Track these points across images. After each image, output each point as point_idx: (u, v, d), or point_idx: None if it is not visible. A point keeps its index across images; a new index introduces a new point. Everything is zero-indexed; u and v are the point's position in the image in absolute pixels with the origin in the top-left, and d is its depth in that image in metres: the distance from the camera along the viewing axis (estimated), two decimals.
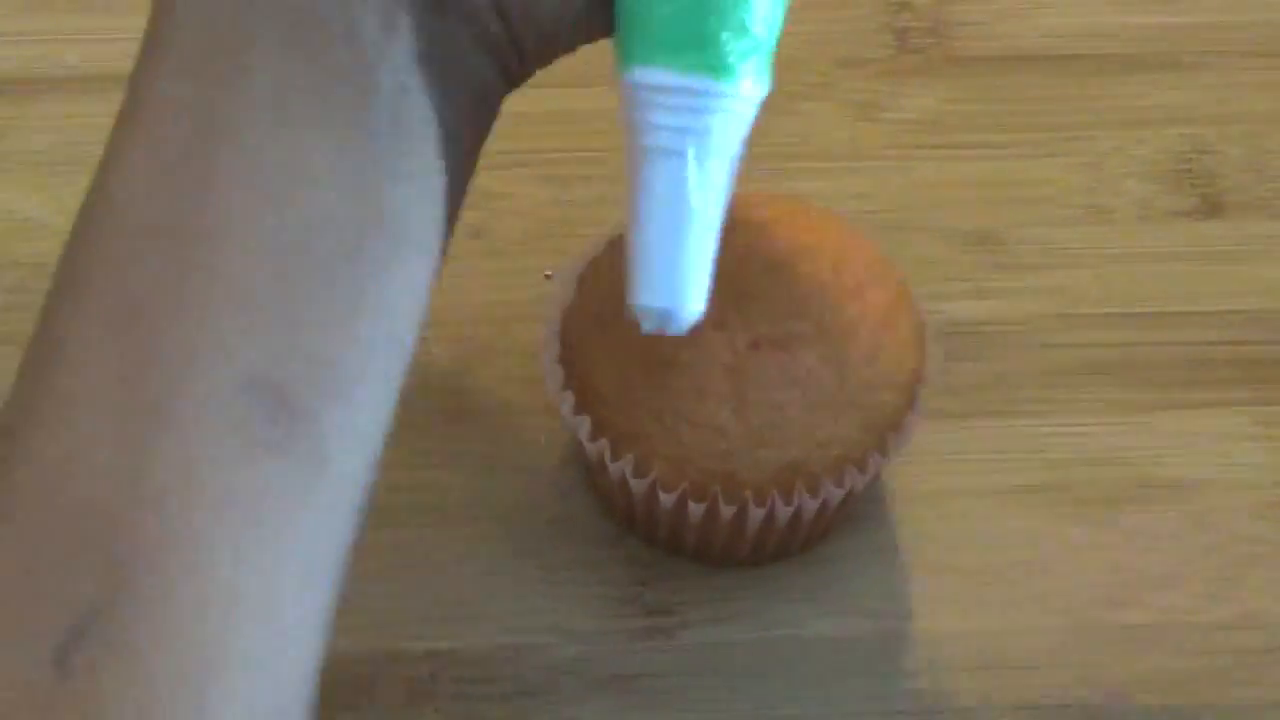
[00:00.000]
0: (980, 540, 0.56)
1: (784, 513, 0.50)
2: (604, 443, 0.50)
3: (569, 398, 0.51)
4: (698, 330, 0.50)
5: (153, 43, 0.39)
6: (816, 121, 0.65)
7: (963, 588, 0.55)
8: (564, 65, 0.65)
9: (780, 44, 0.67)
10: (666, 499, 0.51)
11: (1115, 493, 0.57)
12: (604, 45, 0.66)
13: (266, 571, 0.36)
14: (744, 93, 0.39)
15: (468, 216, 0.62)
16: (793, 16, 0.68)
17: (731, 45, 0.38)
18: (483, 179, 0.62)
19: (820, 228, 0.53)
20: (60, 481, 0.36)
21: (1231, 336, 0.60)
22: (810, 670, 0.53)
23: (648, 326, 0.41)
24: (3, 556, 0.35)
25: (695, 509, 0.50)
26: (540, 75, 0.65)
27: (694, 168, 0.39)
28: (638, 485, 0.51)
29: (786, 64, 0.66)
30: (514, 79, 0.41)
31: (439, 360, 0.59)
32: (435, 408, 0.58)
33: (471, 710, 0.52)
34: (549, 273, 0.60)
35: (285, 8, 0.38)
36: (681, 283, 0.41)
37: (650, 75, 0.39)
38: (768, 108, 0.65)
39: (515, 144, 0.64)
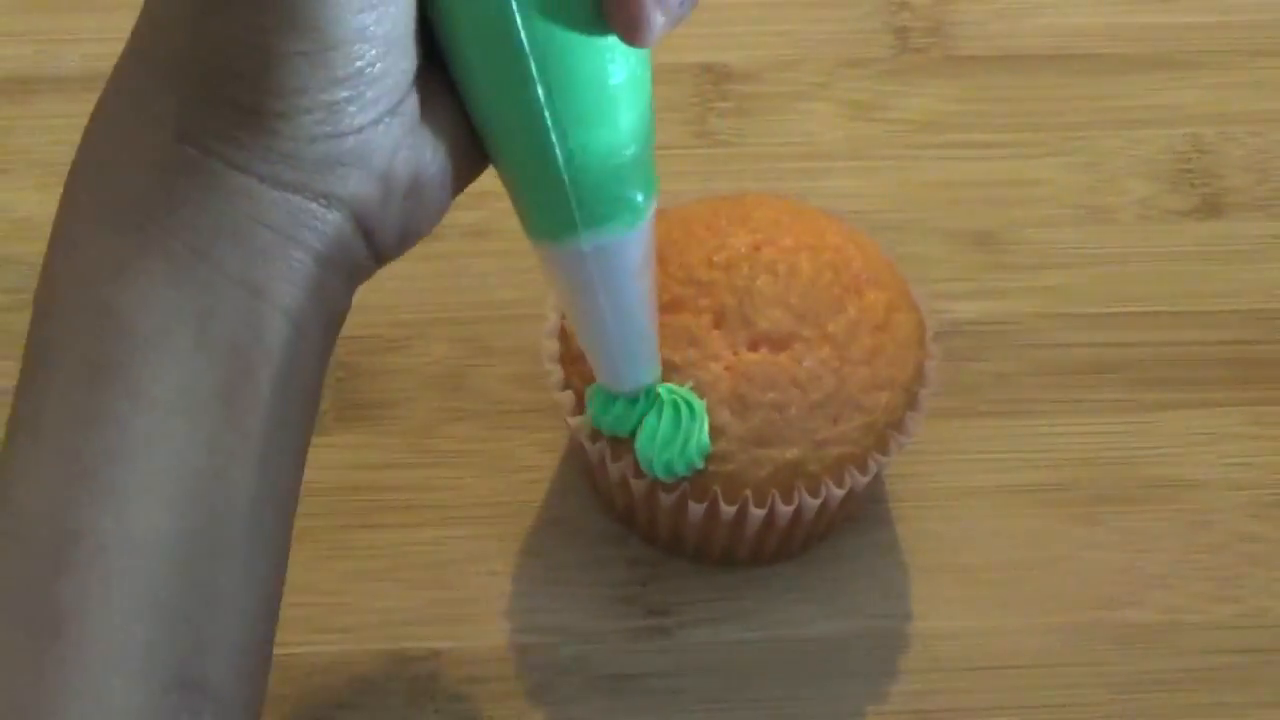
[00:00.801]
0: (980, 540, 0.56)
1: (784, 513, 0.50)
2: (604, 443, 0.50)
3: (569, 398, 0.51)
4: (698, 330, 0.50)
5: (45, 347, 0.40)
6: (816, 121, 0.65)
7: (963, 587, 0.55)
8: None
9: (780, 44, 0.67)
10: (666, 499, 0.51)
11: (1115, 492, 0.57)
12: None
13: None
14: (651, 221, 0.45)
15: (468, 217, 0.62)
16: (793, 16, 0.68)
17: (647, 198, 0.44)
18: (483, 179, 0.62)
19: (820, 228, 0.53)
20: None
21: (1231, 336, 0.60)
22: (810, 670, 0.53)
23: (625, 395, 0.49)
24: None
25: (695, 509, 0.50)
26: None
27: (640, 284, 0.45)
28: (638, 485, 0.51)
29: (787, 64, 0.66)
30: (362, 282, 0.44)
31: (439, 360, 0.59)
32: (435, 408, 0.58)
33: (471, 710, 0.52)
34: None
35: (190, 305, 0.39)
36: (653, 360, 0.48)
37: (590, 241, 0.44)
38: (769, 108, 0.65)
39: None
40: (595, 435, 0.50)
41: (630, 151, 0.42)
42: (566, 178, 0.42)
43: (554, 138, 0.41)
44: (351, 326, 0.59)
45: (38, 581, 0.38)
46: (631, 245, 0.44)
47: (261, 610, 0.40)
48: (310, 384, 0.41)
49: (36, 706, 0.37)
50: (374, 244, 0.42)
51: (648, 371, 0.48)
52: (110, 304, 0.38)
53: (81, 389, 0.38)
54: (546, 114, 0.41)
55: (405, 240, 0.43)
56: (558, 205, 0.43)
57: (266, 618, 0.41)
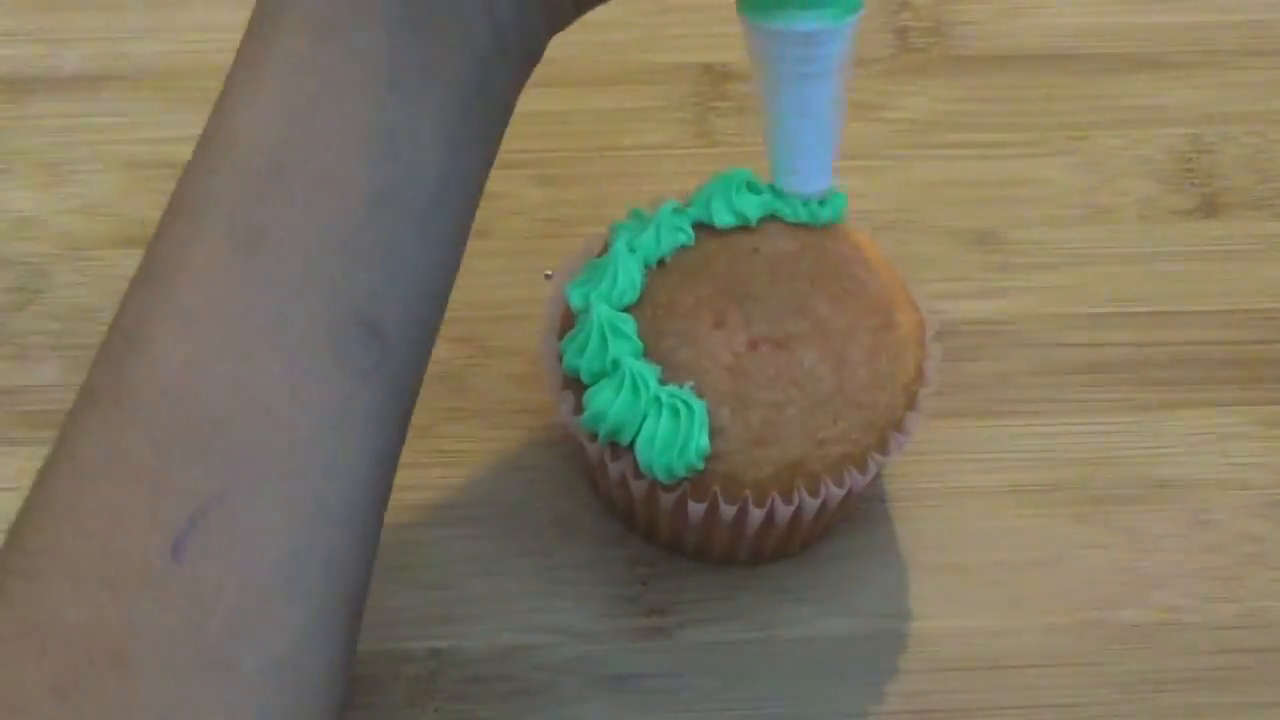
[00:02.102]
0: (980, 540, 0.56)
1: (784, 513, 0.50)
2: (603, 443, 0.50)
3: (569, 398, 0.51)
4: (698, 330, 0.50)
5: (273, 4, 0.43)
6: None
7: (962, 587, 0.55)
8: (565, 65, 0.65)
9: None
10: (666, 499, 0.51)
11: (1115, 492, 0.57)
12: (609, 45, 0.66)
13: (349, 482, 0.42)
14: (859, 19, 0.47)
15: None
16: None
17: None
18: None
19: (820, 228, 0.53)
20: (181, 387, 0.40)
21: (1231, 336, 0.60)
22: (810, 670, 0.53)
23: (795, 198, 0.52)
24: (128, 450, 0.39)
25: (695, 509, 0.50)
26: (540, 75, 0.65)
27: (833, 83, 0.48)
28: (638, 485, 0.51)
29: None
30: (561, 28, 0.48)
31: (439, 360, 0.59)
32: (435, 408, 0.58)
33: (471, 709, 0.52)
34: (549, 273, 0.60)
35: None
36: (828, 167, 0.51)
37: (799, 23, 0.46)
38: None
39: (515, 144, 0.63)
40: (595, 435, 0.50)
41: None
42: None
43: None
44: None
45: (244, 201, 0.41)
46: (837, 39, 0.47)
47: (437, 276, 0.44)
48: (504, 98, 0.45)
49: (230, 312, 0.40)
50: None
51: (819, 176, 0.50)
52: None
53: (298, 40, 0.42)
54: None
55: None
56: None
57: (441, 284, 0.45)
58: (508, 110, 0.46)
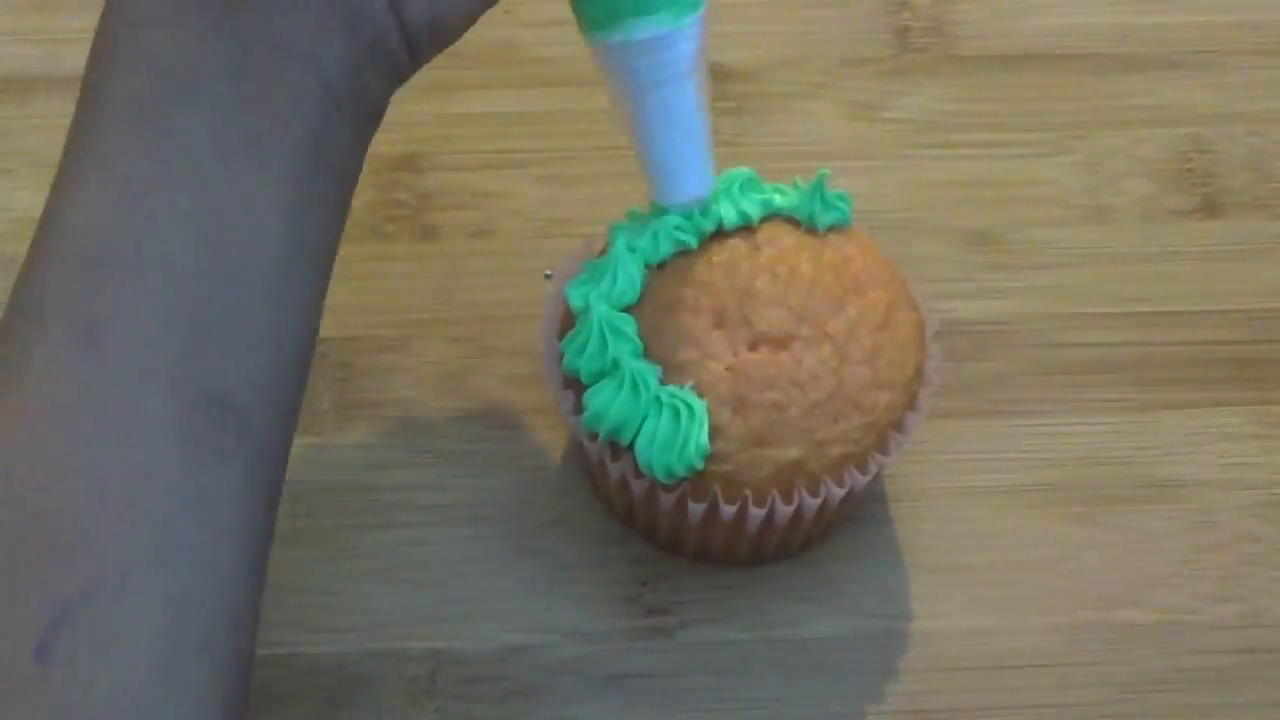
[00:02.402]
0: (980, 540, 0.56)
1: (784, 513, 0.50)
2: (603, 443, 0.51)
3: (569, 398, 0.51)
4: (698, 330, 0.50)
5: (97, 89, 0.43)
6: (816, 121, 0.65)
7: (963, 587, 0.55)
8: (564, 65, 0.65)
9: (781, 43, 0.67)
10: (666, 499, 0.51)
11: (1115, 492, 0.57)
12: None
13: (218, 565, 0.41)
14: (701, 17, 0.47)
15: (468, 216, 0.62)
16: (793, 16, 0.68)
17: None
18: (483, 179, 0.62)
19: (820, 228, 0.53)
20: (34, 492, 0.39)
21: (1231, 336, 0.60)
22: (810, 670, 0.53)
23: (680, 212, 0.51)
24: None
25: (695, 509, 0.50)
26: (539, 75, 0.65)
27: (690, 85, 0.48)
28: (638, 485, 0.51)
29: (787, 64, 0.66)
30: (401, 81, 0.46)
31: (439, 360, 0.59)
32: (435, 408, 0.58)
33: (472, 710, 0.52)
34: (549, 273, 0.60)
35: (225, 59, 0.42)
36: (707, 172, 0.50)
37: (638, 31, 0.47)
38: (769, 108, 0.65)
39: (515, 144, 0.63)
40: (595, 435, 0.50)
41: None
42: None
43: None
44: (351, 326, 0.59)
45: (79, 293, 0.41)
46: (681, 41, 0.47)
47: (291, 343, 0.44)
48: (345, 158, 0.45)
49: (77, 409, 0.40)
50: (405, 25, 0.44)
51: (698, 182, 0.50)
52: (153, 49, 0.42)
53: (120, 127, 0.42)
54: None
55: (435, 28, 0.45)
56: None
57: (297, 351, 0.44)
58: (354, 168, 0.46)
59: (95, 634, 0.38)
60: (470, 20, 0.46)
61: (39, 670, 0.37)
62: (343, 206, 0.46)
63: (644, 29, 0.46)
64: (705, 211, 0.51)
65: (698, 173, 0.50)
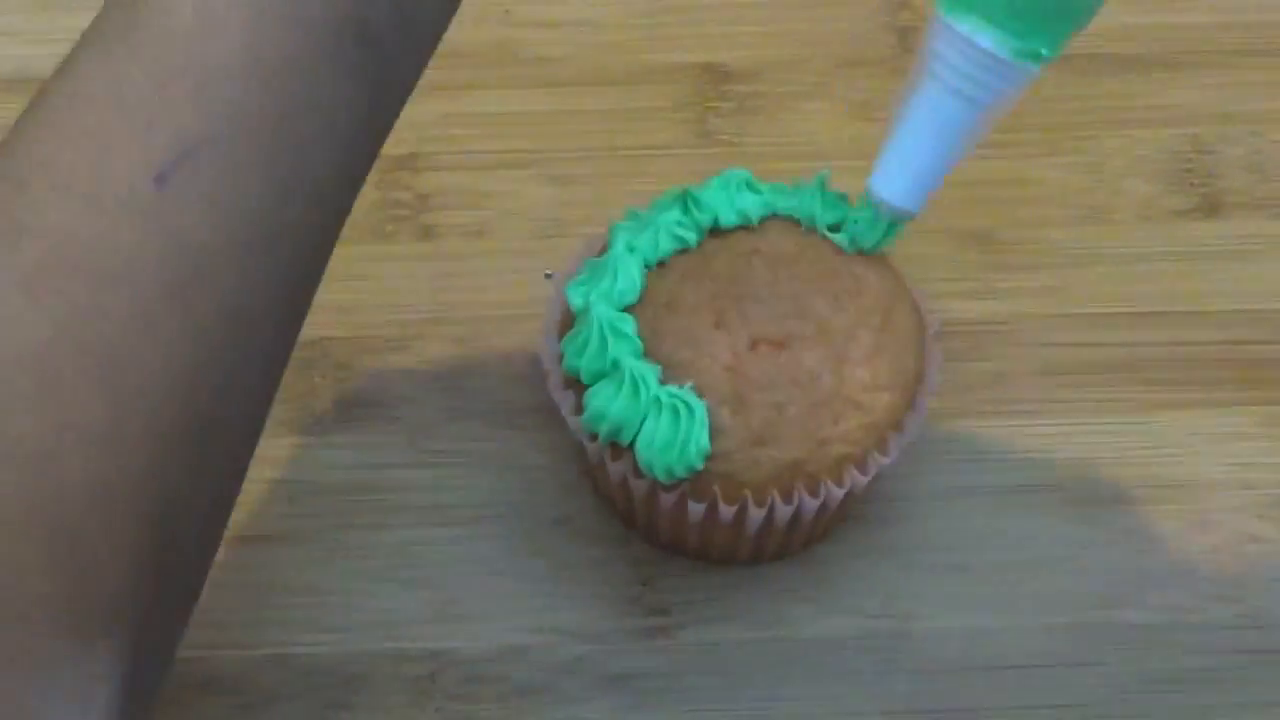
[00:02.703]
0: (980, 540, 0.56)
1: (784, 512, 0.50)
2: (603, 443, 0.51)
3: (569, 398, 0.51)
4: (698, 330, 0.50)
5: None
6: (817, 121, 0.65)
7: (963, 587, 0.55)
8: (565, 65, 0.65)
9: (781, 43, 0.67)
10: (667, 499, 0.51)
11: (1115, 492, 0.57)
12: (609, 45, 0.66)
13: (328, 162, 0.43)
14: (1031, 77, 0.46)
15: (468, 217, 0.62)
16: (794, 16, 0.68)
17: (1064, 42, 0.45)
18: (483, 179, 0.62)
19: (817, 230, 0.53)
20: (188, 34, 0.40)
21: (1232, 336, 0.60)
22: (810, 670, 0.53)
23: (874, 211, 0.50)
24: (126, 82, 0.40)
25: (695, 509, 0.50)
26: (540, 75, 0.65)
27: (979, 115, 0.47)
28: (638, 485, 0.51)
29: (787, 64, 0.66)
30: None
31: (439, 360, 0.59)
32: (436, 407, 0.58)
33: (472, 710, 0.52)
34: (549, 273, 0.60)
35: None
36: (923, 193, 0.49)
37: (984, 38, 0.45)
38: (769, 108, 0.65)
39: (515, 144, 0.64)
40: (595, 435, 0.50)
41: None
42: None
43: None
44: (351, 326, 0.59)
45: None
46: (1004, 75, 0.45)
47: None
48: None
49: None
50: None
51: (912, 195, 0.49)
52: None
53: None
54: None
55: None
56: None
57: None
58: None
59: (208, 179, 0.40)
60: None
61: (154, 194, 0.40)
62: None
63: (987, 39, 0.45)
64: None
65: (919, 186, 0.49)
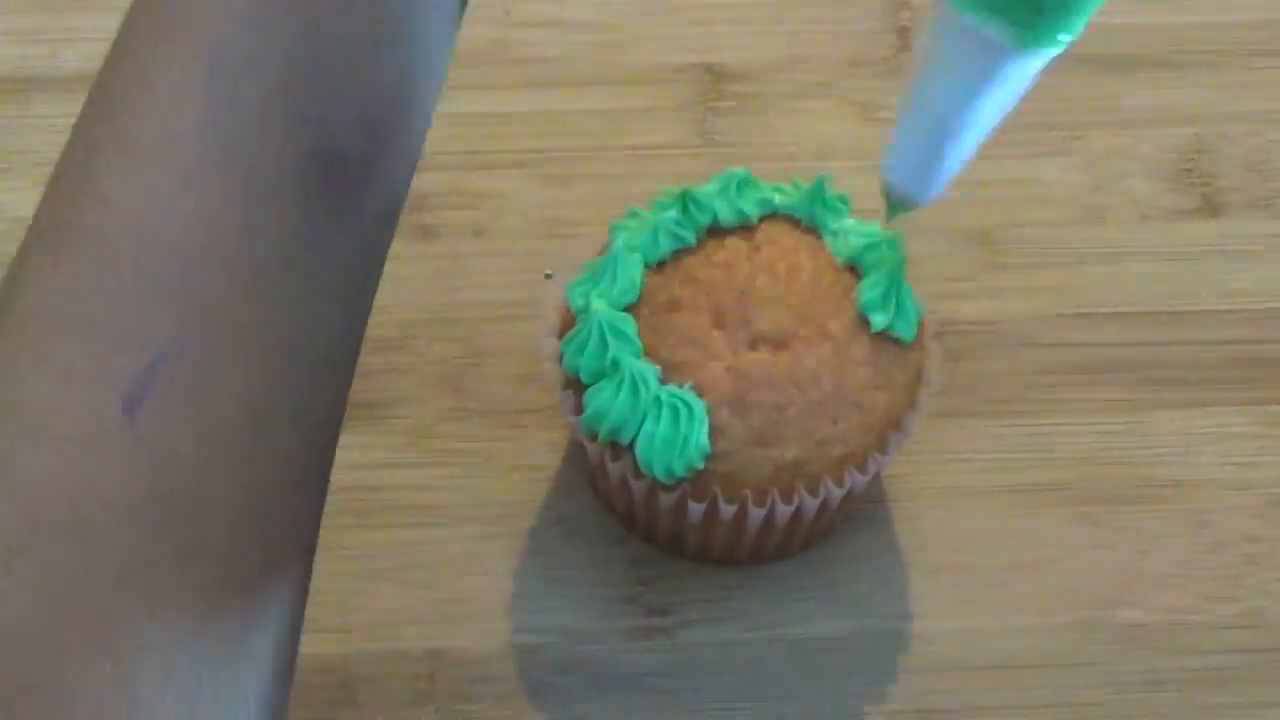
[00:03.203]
0: (980, 540, 0.56)
1: (784, 512, 0.50)
2: (603, 443, 0.51)
3: (569, 398, 0.51)
4: (698, 330, 0.50)
5: None
6: (817, 121, 0.65)
7: (963, 587, 0.55)
8: (565, 65, 0.65)
9: (781, 44, 0.67)
10: (666, 499, 0.51)
11: (1116, 492, 0.57)
12: (609, 45, 0.66)
13: (316, 320, 0.39)
14: (1040, 69, 0.43)
15: (468, 216, 0.62)
16: (794, 16, 0.68)
17: (1072, 33, 0.43)
18: (483, 179, 0.62)
19: (813, 229, 0.53)
20: (135, 224, 0.36)
21: (1232, 336, 0.60)
22: (810, 670, 0.53)
23: (885, 199, 0.47)
24: (79, 295, 0.36)
25: (695, 509, 0.50)
26: (540, 75, 0.65)
27: (988, 109, 0.44)
28: (638, 485, 0.51)
29: (787, 64, 0.66)
30: None
31: (439, 360, 0.59)
32: (435, 407, 0.58)
33: (471, 710, 0.52)
34: (549, 273, 0.60)
35: None
36: (934, 182, 0.46)
37: (990, 28, 0.43)
38: (769, 108, 0.65)
39: (515, 144, 0.64)
40: (595, 435, 0.50)
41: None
42: None
43: None
44: None
45: (205, 19, 0.37)
46: (1011, 65, 0.43)
47: (414, 90, 0.40)
48: None
49: (192, 141, 0.37)
50: None
51: (924, 184, 0.47)
52: None
53: None
54: None
55: None
56: None
57: (417, 98, 0.40)
58: None
59: (183, 390, 0.36)
60: None
61: (125, 422, 0.36)
62: None
63: (992, 27, 0.43)
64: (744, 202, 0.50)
65: (931, 177, 0.47)
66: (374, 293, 0.42)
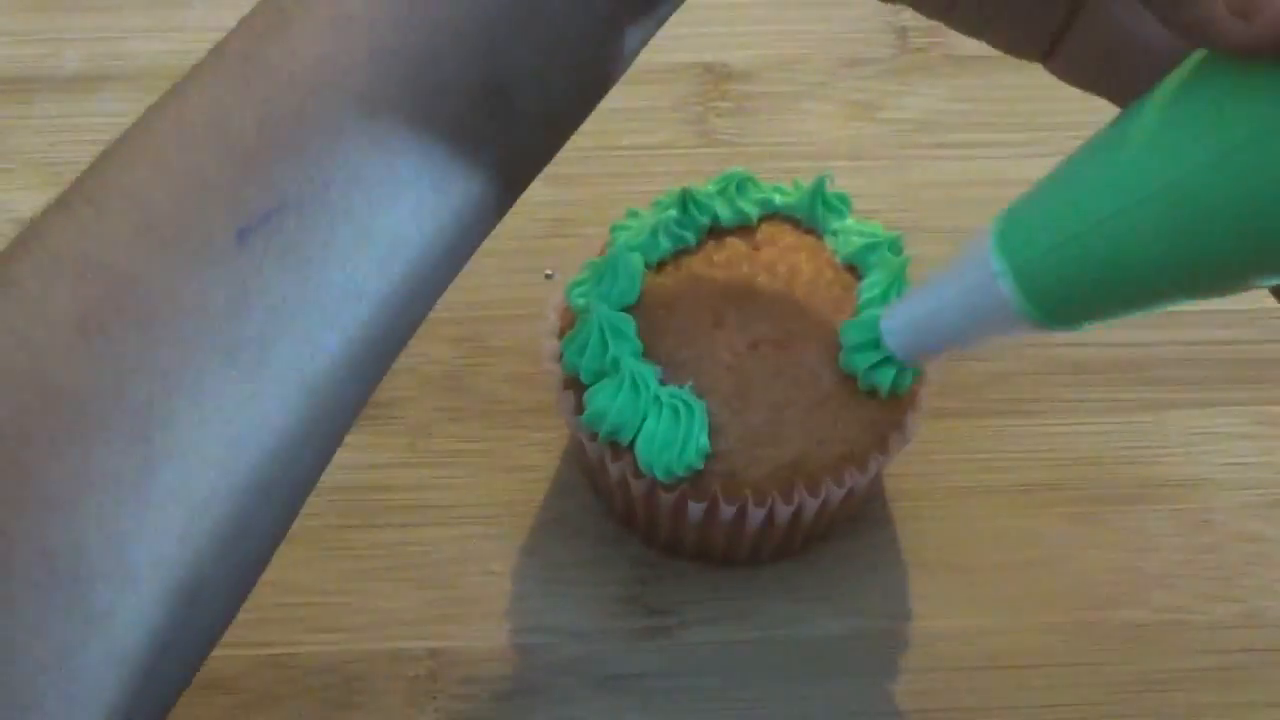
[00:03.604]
0: (981, 539, 0.56)
1: (784, 512, 0.50)
2: (604, 442, 0.51)
3: (569, 398, 0.51)
4: (698, 330, 0.50)
5: None
6: (817, 121, 0.65)
7: (963, 587, 0.55)
8: None
9: (781, 43, 0.67)
10: (666, 499, 0.51)
11: (1116, 492, 0.57)
12: None
13: (424, 240, 0.41)
14: (1031, 327, 0.43)
15: None
16: (793, 16, 0.68)
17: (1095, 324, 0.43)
18: None
19: (814, 230, 0.53)
20: (308, 81, 0.38)
21: (1232, 336, 0.60)
22: (810, 669, 0.53)
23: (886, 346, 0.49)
24: (234, 122, 0.38)
25: (695, 509, 0.50)
26: None
27: (986, 330, 0.45)
28: (637, 485, 0.51)
29: (788, 62, 0.66)
30: None
31: (439, 360, 0.59)
32: (435, 407, 0.58)
33: (471, 710, 0.52)
34: (549, 273, 0.60)
35: None
36: (924, 357, 0.49)
37: (1025, 308, 0.42)
38: (769, 108, 0.65)
39: None
40: (595, 434, 0.50)
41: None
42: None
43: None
44: None
45: None
46: (1009, 319, 0.44)
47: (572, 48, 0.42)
48: None
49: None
50: None
51: (909, 354, 0.48)
52: None
53: None
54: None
55: None
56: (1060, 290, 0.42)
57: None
58: None
59: (292, 242, 0.38)
60: None
61: (234, 247, 0.37)
62: None
63: (1012, 294, 0.43)
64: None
65: (917, 351, 0.48)
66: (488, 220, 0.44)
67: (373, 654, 0.53)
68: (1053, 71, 0.47)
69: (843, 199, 0.53)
